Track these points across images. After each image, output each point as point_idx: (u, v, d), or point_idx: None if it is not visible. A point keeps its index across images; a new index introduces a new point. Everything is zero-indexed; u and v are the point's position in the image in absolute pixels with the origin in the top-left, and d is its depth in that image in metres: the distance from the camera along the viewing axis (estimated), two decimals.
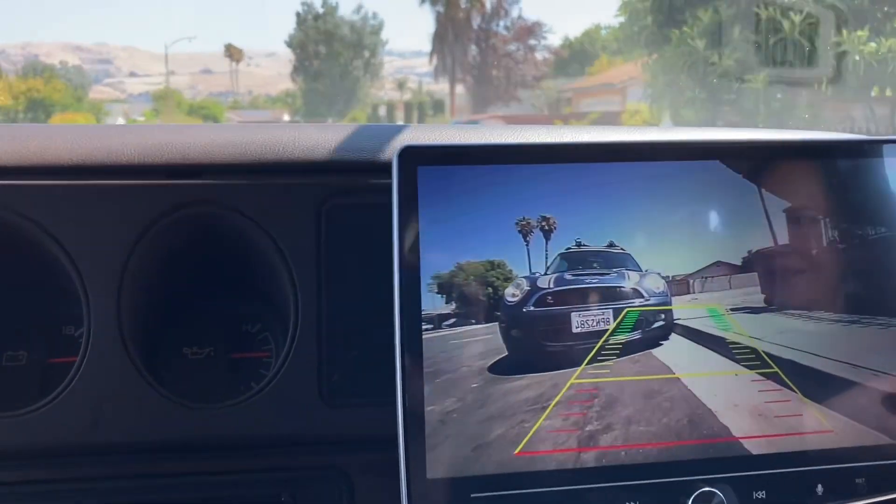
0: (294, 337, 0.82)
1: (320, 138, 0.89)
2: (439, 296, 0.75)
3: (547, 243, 0.77)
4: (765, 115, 10.21)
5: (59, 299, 0.86)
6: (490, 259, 0.76)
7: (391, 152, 0.80)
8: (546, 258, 0.78)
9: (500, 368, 0.75)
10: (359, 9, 58.80)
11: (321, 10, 57.63)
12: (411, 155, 0.74)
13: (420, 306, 0.73)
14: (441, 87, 50.38)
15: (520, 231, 0.77)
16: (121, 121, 43.38)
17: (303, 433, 0.83)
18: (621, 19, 10.22)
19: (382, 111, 41.31)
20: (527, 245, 0.77)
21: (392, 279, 0.73)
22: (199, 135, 0.90)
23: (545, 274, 0.78)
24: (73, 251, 0.80)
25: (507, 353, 0.75)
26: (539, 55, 36.30)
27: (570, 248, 0.78)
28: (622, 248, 0.78)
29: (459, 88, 39.25)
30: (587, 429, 0.74)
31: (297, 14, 58.17)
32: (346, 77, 57.35)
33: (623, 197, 0.78)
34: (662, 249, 0.78)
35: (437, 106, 38.61)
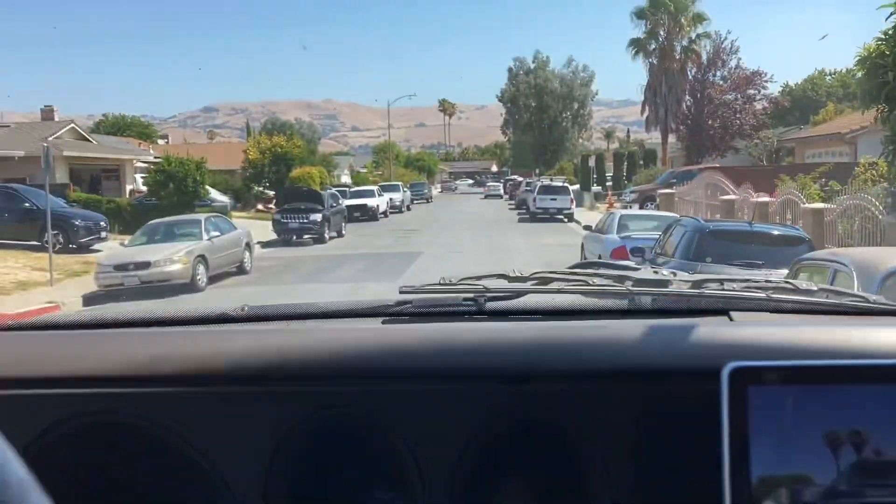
0: None
1: (637, 343, 0.99)
2: None
3: (857, 456, 0.81)
4: None
5: None
6: (793, 473, 0.80)
7: (703, 359, 0.86)
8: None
9: None
10: (569, 62, 59.44)
11: (532, 65, 58.81)
12: (742, 375, 0.80)
13: None
14: (649, 137, 49.28)
15: (827, 445, 0.82)
16: (346, 173, 46.61)
17: None
18: (858, 75, 9.53)
19: (591, 162, 41.07)
20: (836, 460, 0.81)
21: (704, 481, 0.81)
22: (518, 336, 1.00)
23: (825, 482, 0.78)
24: (413, 446, 0.95)
25: None
26: (758, 104, 34.50)
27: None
28: None
29: (671, 138, 38.20)
30: None
31: (510, 70, 59.87)
32: (554, 128, 57.79)
33: None
34: None
35: (649, 156, 37.78)
